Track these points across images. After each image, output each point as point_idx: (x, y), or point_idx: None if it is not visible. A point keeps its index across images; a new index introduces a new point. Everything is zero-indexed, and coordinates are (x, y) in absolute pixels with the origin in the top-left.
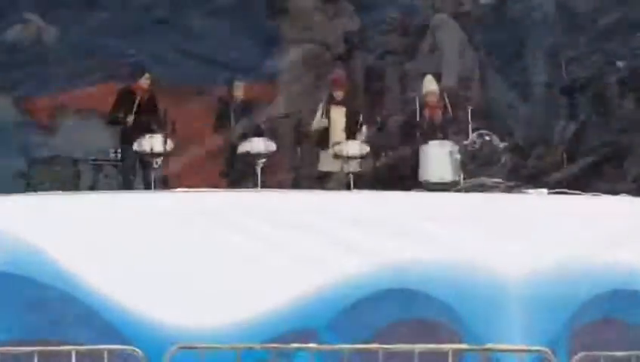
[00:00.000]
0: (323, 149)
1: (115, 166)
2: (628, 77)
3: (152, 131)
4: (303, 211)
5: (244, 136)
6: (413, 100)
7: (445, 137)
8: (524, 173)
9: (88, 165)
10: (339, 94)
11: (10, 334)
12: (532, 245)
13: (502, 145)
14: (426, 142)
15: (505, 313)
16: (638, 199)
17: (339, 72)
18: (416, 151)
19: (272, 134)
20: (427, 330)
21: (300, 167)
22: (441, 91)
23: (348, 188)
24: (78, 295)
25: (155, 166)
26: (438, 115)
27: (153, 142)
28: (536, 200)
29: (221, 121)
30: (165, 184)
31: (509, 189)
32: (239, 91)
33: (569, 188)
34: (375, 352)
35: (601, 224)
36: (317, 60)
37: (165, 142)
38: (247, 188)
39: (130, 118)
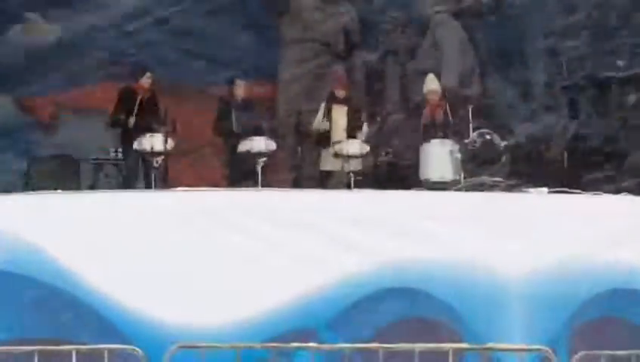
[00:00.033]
0: (324, 148)
1: (116, 165)
2: (628, 76)
3: (152, 130)
4: (304, 210)
5: (245, 135)
6: (414, 99)
7: (446, 136)
8: (524, 172)
9: (89, 164)
10: (341, 93)
11: (10, 333)
12: (532, 244)
13: (502, 144)
14: (427, 140)
15: (505, 312)
16: (639, 198)
17: (340, 71)
18: (416, 150)
19: (272, 133)
20: (427, 329)
21: (301, 166)
22: (442, 90)
23: (349, 187)
24: (78, 294)
25: (156, 165)
26: (440, 114)
27: (153, 141)
28: (537, 199)
29: (221, 120)
30: (165, 183)
31: (509, 188)
32: (240, 90)
33: (569, 188)
34: (375, 351)
35: (601, 223)
36: (317, 59)
37: (166, 141)
38: (248, 187)
39: (132, 120)
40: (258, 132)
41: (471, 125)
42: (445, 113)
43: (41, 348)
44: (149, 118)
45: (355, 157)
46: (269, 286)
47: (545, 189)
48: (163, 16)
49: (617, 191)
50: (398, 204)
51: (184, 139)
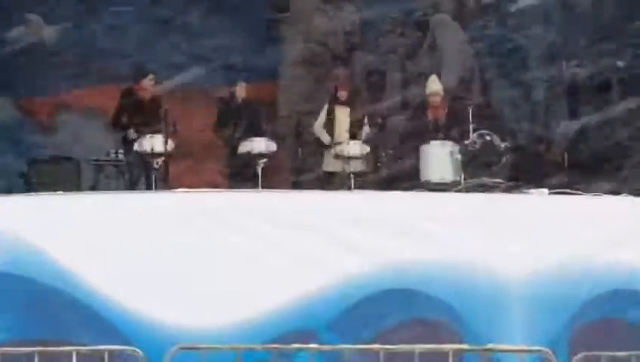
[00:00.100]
0: (326, 150)
1: (116, 166)
2: (628, 77)
3: (152, 131)
4: (304, 211)
5: (245, 136)
6: (414, 100)
7: (447, 137)
8: (524, 173)
9: (89, 165)
10: (343, 94)
11: (10, 334)
12: (533, 245)
13: (503, 145)
14: (428, 142)
15: (506, 313)
16: (639, 199)
17: (343, 72)
18: (417, 151)
19: (273, 134)
20: (428, 330)
21: (301, 168)
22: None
23: (349, 188)
24: (78, 295)
25: (156, 166)
26: (442, 115)
27: (154, 143)
28: (537, 200)
29: (222, 121)
30: (166, 184)
31: (509, 189)
32: (241, 91)
33: (570, 189)
34: (376, 352)
35: (602, 224)
36: (317, 60)
37: (166, 143)
38: (248, 188)
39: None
40: (258, 133)
41: (471, 126)
42: (447, 114)
43: (42, 349)
44: (151, 119)
45: (356, 158)
46: (269, 287)
47: (545, 190)
48: (163, 16)
49: (618, 193)
50: (399, 205)
51: (184, 141)
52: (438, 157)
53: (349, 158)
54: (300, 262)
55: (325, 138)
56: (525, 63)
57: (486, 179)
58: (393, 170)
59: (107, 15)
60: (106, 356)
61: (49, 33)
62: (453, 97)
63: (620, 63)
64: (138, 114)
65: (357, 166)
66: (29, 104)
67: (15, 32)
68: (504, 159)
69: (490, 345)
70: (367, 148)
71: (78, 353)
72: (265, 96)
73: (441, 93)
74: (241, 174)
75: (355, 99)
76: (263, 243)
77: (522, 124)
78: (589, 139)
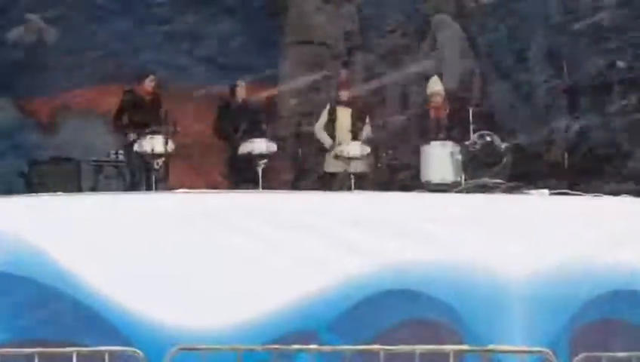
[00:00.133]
0: (327, 151)
1: (116, 167)
2: (629, 77)
3: (153, 132)
4: (304, 212)
5: (246, 137)
6: (415, 101)
7: (449, 138)
8: (525, 174)
9: (89, 166)
10: (344, 94)
11: (10, 335)
12: (533, 246)
13: (503, 145)
14: (429, 142)
15: (506, 314)
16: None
17: (345, 73)
18: (417, 152)
19: (273, 135)
20: (428, 331)
21: (302, 168)
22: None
23: (350, 189)
24: (78, 296)
25: (156, 167)
26: (444, 116)
27: (154, 143)
28: (538, 201)
29: (222, 121)
30: (166, 185)
31: (510, 190)
32: (242, 92)
33: (570, 189)
34: (376, 353)
35: (602, 225)
36: (317, 61)
37: (166, 143)
38: (249, 189)
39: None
40: (259, 134)
41: (472, 127)
42: (449, 115)
43: (42, 350)
44: (152, 120)
45: (356, 159)
46: (269, 287)
47: (546, 191)
48: (164, 17)
49: (618, 193)
50: (399, 206)
51: (185, 141)
52: (439, 158)
53: (350, 159)
54: (301, 262)
55: (326, 140)
56: (525, 64)
57: (486, 180)
58: (394, 171)
59: (107, 16)
60: (107, 357)
61: (49, 34)
62: (454, 98)
63: (621, 64)
64: (139, 114)
65: (358, 166)
66: (29, 105)
67: (15, 33)
68: (505, 160)
69: (490, 346)
70: (368, 149)
71: (78, 354)
72: (265, 97)
73: (443, 93)
74: (242, 175)
75: (357, 100)
76: (263, 244)
77: (523, 124)
78: (590, 140)
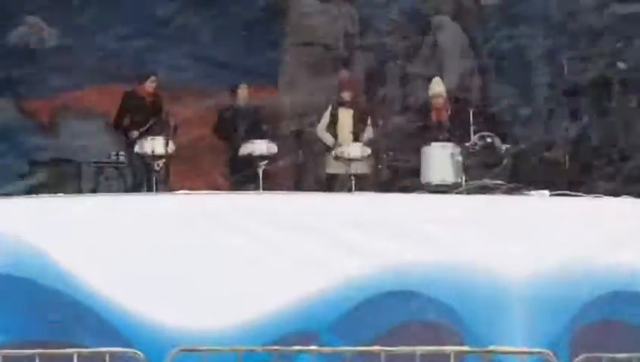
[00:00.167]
0: (329, 152)
1: (116, 168)
2: (629, 78)
3: (153, 133)
4: (305, 213)
5: (246, 138)
6: (416, 102)
7: (450, 139)
8: (525, 175)
9: (89, 167)
10: (346, 95)
11: (11, 336)
12: (534, 247)
13: (503, 147)
14: (429, 143)
15: (506, 315)
16: None
17: (346, 74)
18: (418, 153)
19: (274, 136)
20: (429, 332)
21: (302, 169)
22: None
23: (351, 190)
24: (79, 297)
25: (157, 168)
26: (445, 117)
27: (154, 145)
28: (538, 202)
29: (223, 123)
30: (167, 186)
31: (510, 191)
32: (243, 93)
33: (571, 190)
34: (377, 354)
35: (602, 226)
36: (318, 62)
37: (167, 145)
38: (249, 190)
39: (135, 134)
40: (260, 135)
41: (472, 128)
42: (451, 116)
43: (42, 352)
44: (153, 122)
45: (357, 160)
46: (270, 289)
47: (546, 192)
48: (164, 18)
49: (619, 194)
50: (400, 207)
51: (185, 142)
52: (439, 159)
53: (350, 160)
54: (301, 263)
55: (329, 140)
56: (526, 65)
57: (487, 181)
58: (394, 172)
59: (108, 17)
60: (107, 358)
61: (49, 35)
62: (454, 99)
63: (621, 64)
64: (140, 116)
65: (359, 168)
66: (29, 106)
67: (16, 34)
68: (505, 161)
69: (491, 347)
70: (369, 150)
71: (79, 355)
72: (265, 98)
73: (444, 94)
74: (242, 176)
75: (359, 101)
76: (263, 245)
77: (523, 125)
78: (590, 141)
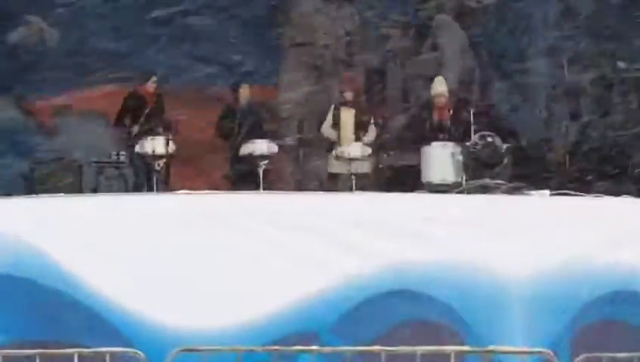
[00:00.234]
0: (331, 151)
1: (117, 168)
2: (630, 78)
3: (154, 133)
4: (305, 213)
5: (248, 138)
6: (416, 102)
7: (452, 139)
8: (526, 175)
9: (90, 167)
10: (349, 95)
11: (11, 336)
12: (534, 246)
13: (504, 146)
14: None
15: (507, 314)
16: None
17: (349, 74)
18: (418, 153)
19: (274, 136)
20: (429, 332)
21: (303, 169)
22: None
23: (351, 189)
24: (79, 297)
25: (157, 168)
26: (447, 117)
27: (155, 145)
28: (539, 201)
29: (225, 123)
30: (167, 186)
31: (511, 191)
32: (245, 93)
33: (571, 190)
34: (377, 354)
35: (603, 225)
36: (318, 62)
37: (167, 144)
38: (250, 190)
39: (136, 129)
40: (261, 135)
41: (472, 128)
42: (451, 116)
43: (43, 352)
44: (154, 121)
45: (357, 159)
46: (270, 288)
47: (547, 191)
48: (165, 18)
49: (619, 194)
50: (400, 207)
51: (186, 142)
52: (440, 159)
53: (350, 160)
54: (301, 263)
55: (334, 138)
56: (526, 64)
57: (487, 181)
58: (395, 172)
59: (108, 17)
60: (108, 358)
61: (50, 35)
62: (456, 99)
63: (622, 64)
64: (141, 115)
65: (361, 167)
66: (30, 106)
67: (16, 34)
68: (505, 160)
69: (491, 347)
70: (369, 150)
71: (79, 355)
72: (266, 98)
73: (447, 94)
74: (243, 176)
75: (361, 101)
76: (264, 245)
77: (523, 125)
78: (590, 140)
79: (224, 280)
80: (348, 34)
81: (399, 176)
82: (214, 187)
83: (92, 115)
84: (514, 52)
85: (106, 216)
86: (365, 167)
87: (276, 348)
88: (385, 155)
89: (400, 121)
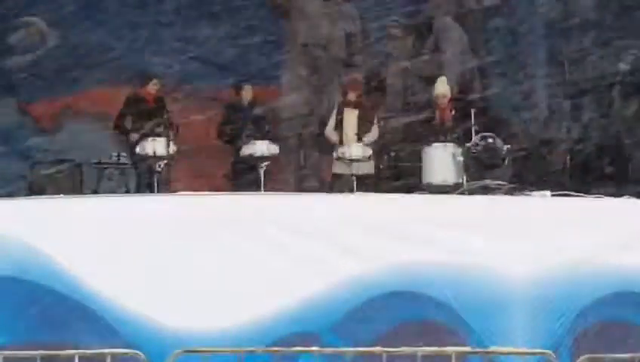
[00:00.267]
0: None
1: (118, 169)
2: (631, 79)
3: (155, 134)
4: (306, 214)
5: (249, 139)
6: (417, 103)
7: (453, 140)
8: (526, 176)
9: (91, 168)
10: (352, 96)
11: (12, 337)
12: (535, 247)
13: (505, 147)
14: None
15: (508, 315)
16: None
17: (351, 74)
18: (419, 154)
19: (275, 137)
20: (430, 333)
21: (304, 170)
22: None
23: (352, 190)
24: (80, 298)
25: (158, 169)
26: (449, 117)
27: (156, 146)
28: (540, 202)
29: (226, 123)
30: (168, 187)
31: (511, 192)
32: (247, 94)
33: (572, 191)
34: (378, 355)
35: (604, 226)
36: (319, 63)
37: (168, 146)
38: (251, 191)
39: (136, 136)
40: (262, 136)
41: (473, 129)
42: (454, 116)
43: (44, 353)
44: (156, 123)
45: (358, 160)
46: (271, 289)
47: (548, 192)
48: (165, 20)
49: (620, 195)
50: (401, 208)
51: (187, 144)
52: (441, 160)
53: (352, 161)
54: (302, 264)
55: (334, 136)
56: (527, 65)
57: (488, 182)
58: (396, 173)
59: (109, 18)
60: (109, 359)
61: (51, 36)
62: (457, 99)
63: (623, 65)
64: (142, 118)
65: (363, 168)
66: (31, 107)
67: (17, 36)
68: (506, 161)
69: (492, 348)
70: (370, 151)
71: (80, 356)
72: (267, 99)
73: (449, 94)
74: (244, 177)
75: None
76: (265, 246)
77: (524, 126)
78: (591, 141)
79: (225, 281)
80: (349, 34)
81: (400, 177)
82: (215, 188)
83: (92, 115)
84: (514, 53)
85: (106, 217)
86: (367, 168)
87: (277, 349)
88: (385, 156)
89: (401, 121)
